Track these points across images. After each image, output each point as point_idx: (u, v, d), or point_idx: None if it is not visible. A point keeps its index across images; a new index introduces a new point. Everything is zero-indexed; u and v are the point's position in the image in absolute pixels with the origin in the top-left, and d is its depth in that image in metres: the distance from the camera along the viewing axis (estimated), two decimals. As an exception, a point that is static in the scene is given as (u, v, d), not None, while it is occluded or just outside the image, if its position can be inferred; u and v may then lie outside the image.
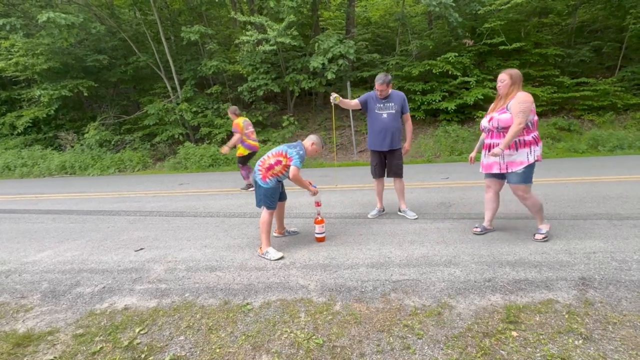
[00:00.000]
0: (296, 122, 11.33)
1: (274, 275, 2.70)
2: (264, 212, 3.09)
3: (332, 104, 3.62)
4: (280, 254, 3.00)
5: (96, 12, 11.65)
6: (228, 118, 6.26)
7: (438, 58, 10.26)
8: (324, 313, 2.15)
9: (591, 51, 10.98)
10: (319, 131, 11.27)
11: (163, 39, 11.19)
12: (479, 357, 1.70)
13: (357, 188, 5.84)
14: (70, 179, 10.01)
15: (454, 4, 9.10)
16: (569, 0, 11.27)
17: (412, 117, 3.56)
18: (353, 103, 3.85)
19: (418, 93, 10.53)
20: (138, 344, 1.98)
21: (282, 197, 3.37)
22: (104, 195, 6.68)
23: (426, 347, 1.80)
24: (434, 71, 10.13)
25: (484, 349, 1.75)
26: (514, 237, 3.18)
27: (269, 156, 3.11)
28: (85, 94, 11.65)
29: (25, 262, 3.30)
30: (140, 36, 12.24)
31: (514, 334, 1.85)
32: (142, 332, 2.08)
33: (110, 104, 13.20)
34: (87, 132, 11.51)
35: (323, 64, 9.70)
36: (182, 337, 2.01)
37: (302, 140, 3.27)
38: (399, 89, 9.97)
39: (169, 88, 11.82)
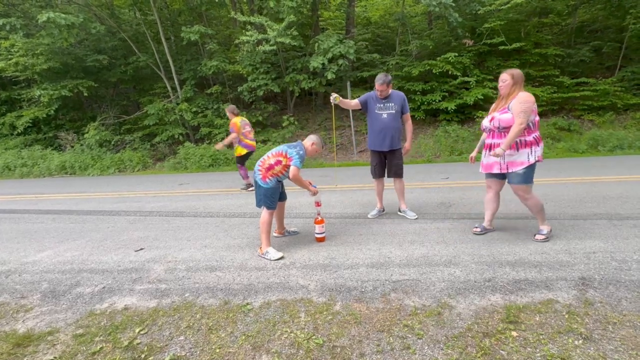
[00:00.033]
0: (296, 122, 11.33)
1: (274, 275, 2.70)
2: (264, 212, 3.09)
3: (332, 104, 3.62)
4: (280, 254, 3.00)
5: (96, 12, 11.64)
6: (228, 118, 6.25)
7: (438, 58, 10.26)
8: (324, 313, 2.15)
9: (591, 51, 10.98)
10: (319, 131, 11.27)
11: (163, 39, 11.19)
12: (479, 357, 1.70)
13: (357, 188, 5.84)
14: (70, 179, 10.01)
15: (454, 4, 9.10)
16: (569, 0, 11.27)
17: (412, 117, 3.57)
18: (353, 103, 3.84)
19: (418, 93, 10.53)
20: (138, 344, 1.98)
21: (282, 197, 3.37)
22: (104, 195, 6.68)
23: (426, 347, 1.80)
24: (434, 71, 10.13)
25: (484, 349, 1.75)
26: (514, 237, 3.18)
27: (269, 156, 3.11)
28: (85, 94, 11.65)
29: (25, 262, 3.30)
30: (140, 36, 12.23)
31: (514, 334, 1.85)
32: (142, 332, 2.08)
33: (110, 104, 13.20)
34: (87, 132, 11.51)
35: (323, 64, 9.70)
36: (182, 337, 2.01)
37: (302, 140, 3.27)
38: (399, 89, 9.97)
39: (169, 88, 11.82)
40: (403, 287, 2.41)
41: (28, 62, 10.73)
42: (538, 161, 2.86)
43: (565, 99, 10.19)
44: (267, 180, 3.05)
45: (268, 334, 1.99)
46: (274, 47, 9.42)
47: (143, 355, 1.87)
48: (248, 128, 6.04)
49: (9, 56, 10.94)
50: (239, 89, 10.84)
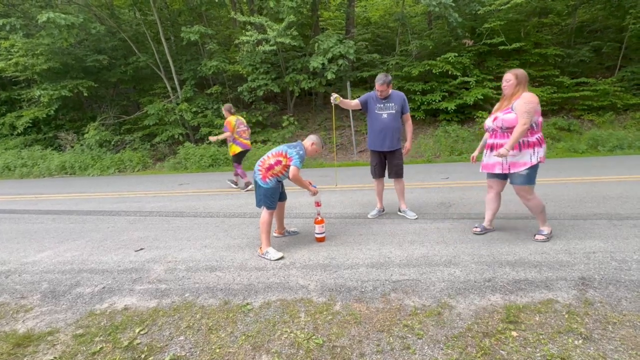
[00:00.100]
0: (296, 122, 11.33)
1: (274, 275, 2.70)
2: (264, 212, 3.09)
3: (333, 104, 3.62)
4: (280, 254, 3.00)
5: (96, 13, 11.65)
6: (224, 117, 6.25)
7: (438, 58, 10.26)
8: (324, 313, 2.15)
9: (591, 51, 10.98)
10: (319, 131, 11.27)
11: (163, 39, 11.19)
12: (479, 357, 1.70)
13: (357, 188, 5.84)
14: (70, 179, 10.01)
15: (453, 4, 9.11)
16: (569, 0, 11.28)
17: (412, 117, 3.57)
18: (353, 103, 3.85)
19: (418, 93, 10.53)
20: (138, 344, 1.98)
21: (282, 197, 3.37)
22: (103, 195, 6.68)
23: (426, 347, 1.80)
24: (433, 71, 10.13)
25: (484, 349, 1.76)
26: (514, 237, 3.18)
27: (269, 156, 3.11)
28: (85, 94, 11.65)
29: (25, 263, 3.30)
30: (140, 36, 12.24)
31: (514, 334, 1.85)
32: (142, 332, 2.08)
33: (110, 104, 13.20)
34: (87, 133, 11.51)
35: (323, 64, 9.70)
36: (182, 337, 2.01)
37: (302, 140, 3.28)
38: (399, 89, 9.97)
39: (169, 88, 11.82)
40: (403, 287, 2.41)
41: (28, 62, 10.74)
42: (540, 162, 2.85)
43: (565, 99, 10.20)
44: (267, 180, 3.05)
45: (268, 334, 1.99)
46: (274, 47, 9.43)
47: (143, 356, 1.87)
48: (243, 127, 6.03)
49: (9, 56, 10.94)
50: (239, 89, 10.85)
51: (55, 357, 1.90)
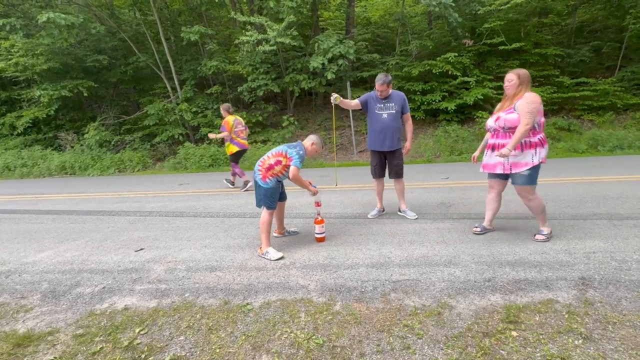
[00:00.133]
0: (296, 122, 11.33)
1: (274, 275, 2.70)
2: (264, 212, 3.09)
3: (333, 104, 3.62)
4: (280, 254, 3.00)
5: (96, 13, 11.65)
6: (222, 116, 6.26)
7: (438, 58, 10.26)
8: (324, 313, 2.15)
9: (591, 51, 10.98)
10: (319, 131, 11.27)
11: (163, 39, 11.19)
12: (479, 357, 1.70)
13: (357, 188, 5.84)
14: (70, 179, 10.01)
15: (453, 4, 9.10)
16: (569, 0, 11.28)
17: (412, 117, 3.58)
18: (353, 103, 3.85)
19: (418, 93, 10.53)
20: (138, 344, 1.98)
21: (282, 197, 3.37)
22: (103, 195, 6.68)
23: (426, 347, 1.80)
24: (433, 71, 10.13)
25: (484, 348, 1.76)
26: (514, 237, 3.18)
27: (269, 156, 3.11)
28: (85, 94, 11.65)
29: (25, 263, 3.30)
30: (140, 36, 12.24)
31: (514, 333, 1.85)
32: (142, 332, 2.08)
33: (110, 104, 13.20)
34: (87, 133, 11.51)
35: (323, 64, 9.70)
36: (182, 337, 2.01)
37: (302, 140, 3.28)
38: (399, 89, 9.97)
39: (169, 88, 11.82)
40: (403, 287, 2.41)
41: (28, 63, 10.73)
42: (542, 163, 2.84)
43: (565, 99, 10.20)
44: (267, 180, 3.05)
45: (268, 334, 1.99)
46: (274, 47, 9.43)
47: (143, 356, 1.87)
48: (241, 127, 6.05)
49: (9, 56, 10.94)
50: (239, 89, 10.85)
51: (55, 357, 1.90)
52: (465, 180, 5.91)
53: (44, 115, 11.65)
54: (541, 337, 1.82)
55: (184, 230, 4.04)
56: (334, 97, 3.55)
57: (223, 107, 6.13)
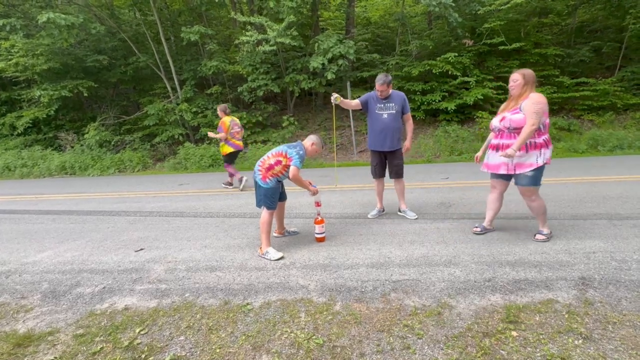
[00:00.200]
0: (296, 122, 11.33)
1: (274, 276, 2.70)
2: (264, 212, 3.09)
3: (333, 104, 3.62)
4: (280, 254, 3.00)
5: (96, 13, 11.65)
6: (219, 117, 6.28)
7: (438, 58, 10.26)
8: (324, 313, 2.15)
9: (591, 51, 10.98)
10: (319, 131, 11.27)
11: (163, 40, 11.19)
12: (479, 357, 1.70)
13: (357, 188, 5.84)
14: (70, 179, 10.01)
15: (453, 4, 9.10)
16: (569, 0, 11.28)
17: (412, 117, 3.57)
18: (354, 103, 3.85)
19: (418, 93, 10.53)
20: (138, 344, 1.98)
21: (282, 197, 3.37)
22: (104, 195, 6.68)
23: (426, 347, 1.80)
24: (433, 71, 10.13)
25: (484, 348, 1.76)
26: (514, 237, 3.18)
27: (269, 156, 3.11)
28: (85, 95, 11.65)
29: (26, 263, 3.30)
30: (140, 37, 12.24)
31: (514, 333, 1.85)
32: (142, 332, 2.08)
33: (110, 104, 13.20)
34: (87, 133, 11.51)
35: (323, 64, 9.70)
36: (182, 337, 2.01)
37: (302, 140, 3.28)
38: (399, 89, 9.97)
39: (169, 88, 11.82)
40: (403, 287, 2.41)
41: (28, 63, 10.73)
42: (546, 164, 2.83)
43: (565, 99, 10.20)
44: (267, 180, 3.05)
45: (268, 334, 1.99)
46: (274, 48, 9.43)
47: (143, 356, 1.87)
48: (237, 128, 6.08)
49: (9, 57, 10.94)
50: (239, 89, 10.85)
51: (55, 357, 1.90)
52: (465, 180, 5.90)
53: (44, 116, 11.65)
54: (541, 337, 1.82)
55: (184, 230, 4.04)
56: (334, 97, 3.55)
57: (220, 108, 6.15)
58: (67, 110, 13.23)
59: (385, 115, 3.71)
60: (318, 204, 3.33)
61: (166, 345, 1.95)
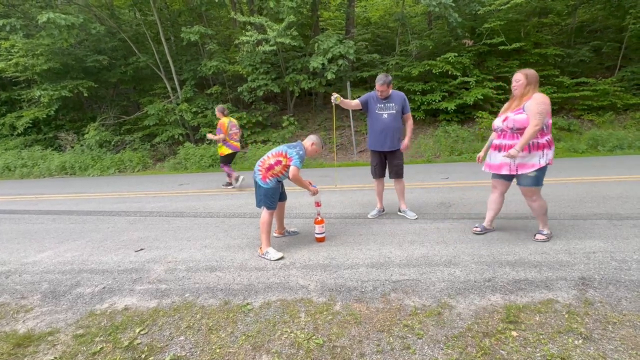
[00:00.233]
0: (296, 122, 11.33)
1: (274, 276, 2.70)
2: (264, 212, 3.09)
3: (333, 104, 3.62)
4: (280, 254, 3.00)
5: (96, 13, 11.65)
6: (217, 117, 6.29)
7: (438, 58, 10.26)
8: (324, 313, 2.15)
9: (591, 51, 10.98)
10: (319, 131, 11.27)
11: (163, 40, 11.20)
12: (479, 357, 1.70)
13: (357, 188, 5.84)
14: (70, 179, 10.01)
15: (453, 4, 9.11)
16: (569, 0, 11.28)
17: (412, 117, 3.57)
18: (354, 103, 3.85)
19: (418, 93, 10.53)
20: (138, 344, 1.98)
21: (282, 197, 3.37)
22: (104, 195, 6.68)
23: (426, 347, 1.80)
24: (433, 71, 10.13)
25: (484, 348, 1.76)
26: (514, 237, 3.18)
27: (269, 156, 3.11)
28: (85, 95, 11.66)
29: (26, 263, 3.30)
30: (140, 37, 12.24)
31: (514, 333, 1.85)
32: (142, 333, 2.08)
33: (110, 104, 13.20)
34: (87, 133, 11.51)
35: (323, 64, 9.70)
36: (182, 337, 2.01)
37: (302, 140, 3.28)
38: (399, 89, 9.97)
39: (169, 88, 11.83)
40: (403, 287, 2.41)
41: (28, 63, 10.74)
42: (549, 164, 2.82)
43: (565, 99, 10.20)
44: (267, 180, 3.05)
45: (268, 334, 1.99)
46: (274, 48, 9.43)
47: (143, 356, 1.87)
48: (235, 130, 6.10)
49: (9, 57, 10.95)
50: (239, 89, 10.85)
51: (55, 357, 1.90)
52: (465, 180, 5.90)
53: (44, 116, 11.65)
54: (541, 337, 1.82)
55: (184, 230, 4.04)
56: (335, 97, 3.55)
57: (218, 109, 6.16)
58: (67, 110, 13.24)
59: (385, 116, 3.71)
60: (318, 204, 3.33)
61: (166, 346, 1.95)
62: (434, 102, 10.19)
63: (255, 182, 3.15)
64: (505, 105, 3.04)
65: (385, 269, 2.69)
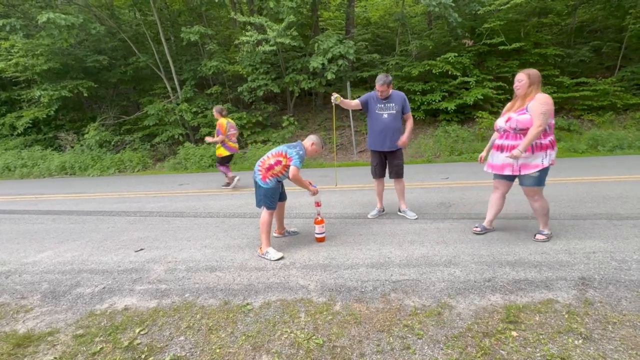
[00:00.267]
0: (296, 123, 11.33)
1: (274, 276, 2.70)
2: (264, 212, 3.09)
3: (333, 104, 3.62)
4: (280, 254, 3.00)
5: (96, 13, 11.65)
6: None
7: (438, 58, 10.26)
8: (324, 313, 2.15)
9: (591, 51, 10.98)
10: (319, 131, 11.27)
11: (163, 40, 11.19)
12: (479, 357, 1.70)
13: (357, 188, 5.84)
14: (70, 179, 10.01)
15: (453, 4, 9.10)
16: (569, 0, 11.28)
17: (412, 117, 3.57)
18: (354, 103, 3.84)
19: (418, 93, 10.53)
20: (138, 344, 1.98)
21: (282, 197, 3.37)
22: (104, 195, 6.68)
23: (426, 347, 1.80)
24: (433, 71, 10.13)
25: (484, 348, 1.76)
26: (514, 237, 3.18)
27: (269, 156, 3.11)
28: (85, 95, 11.65)
29: (25, 263, 3.30)
30: (140, 37, 12.24)
31: (514, 333, 1.85)
32: (142, 333, 2.08)
33: (110, 104, 13.20)
34: (87, 133, 11.51)
35: (323, 64, 9.70)
36: (182, 338, 2.01)
37: (302, 140, 3.28)
38: (399, 89, 9.97)
39: (169, 88, 11.82)
40: (403, 287, 2.41)
41: (28, 63, 10.73)
42: (551, 165, 2.82)
43: (565, 99, 10.20)
44: (267, 180, 3.05)
45: (268, 334, 1.99)
46: (274, 48, 9.43)
47: (143, 356, 1.87)
48: (233, 131, 6.10)
49: (9, 57, 10.94)
50: (239, 89, 10.85)
51: (55, 358, 1.90)
52: (465, 180, 5.90)
53: (44, 116, 11.65)
54: (541, 337, 1.82)
55: (184, 230, 4.04)
56: (335, 97, 3.55)
57: (216, 110, 6.15)
58: (67, 110, 13.23)
59: (385, 116, 3.71)
60: (318, 204, 3.33)
61: (166, 346, 1.95)
62: (434, 102, 10.18)
63: (255, 182, 3.15)
64: (508, 105, 3.03)
65: (385, 269, 2.69)
